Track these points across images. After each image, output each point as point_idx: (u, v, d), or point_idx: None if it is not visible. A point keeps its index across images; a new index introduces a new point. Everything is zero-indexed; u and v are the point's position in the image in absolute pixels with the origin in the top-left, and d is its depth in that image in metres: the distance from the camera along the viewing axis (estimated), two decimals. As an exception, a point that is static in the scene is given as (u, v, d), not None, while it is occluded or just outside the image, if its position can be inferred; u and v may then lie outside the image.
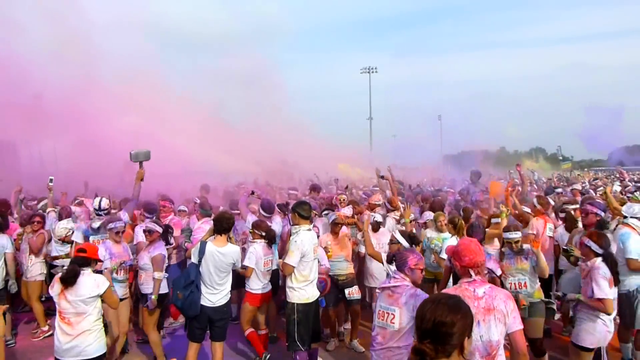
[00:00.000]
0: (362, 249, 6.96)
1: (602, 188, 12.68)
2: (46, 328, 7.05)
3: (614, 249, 5.15)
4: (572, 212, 7.11)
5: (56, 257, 7.13)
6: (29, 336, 7.09)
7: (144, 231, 5.94)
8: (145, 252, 5.81)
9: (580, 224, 6.59)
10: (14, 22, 12.30)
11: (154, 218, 7.07)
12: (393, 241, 5.49)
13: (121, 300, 5.52)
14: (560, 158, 47.52)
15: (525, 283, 5.15)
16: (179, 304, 5.08)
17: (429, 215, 7.35)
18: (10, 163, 12.88)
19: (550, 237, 6.88)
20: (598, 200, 7.28)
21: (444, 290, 3.93)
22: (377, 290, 3.90)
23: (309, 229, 5.32)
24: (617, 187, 12.51)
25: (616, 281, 4.57)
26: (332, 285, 6.02)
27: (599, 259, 4.52)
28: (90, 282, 4.28)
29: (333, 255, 6.33)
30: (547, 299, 5.31)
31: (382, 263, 5.17)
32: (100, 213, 6.38)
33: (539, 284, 5.24)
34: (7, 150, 13.46)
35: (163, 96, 15.75)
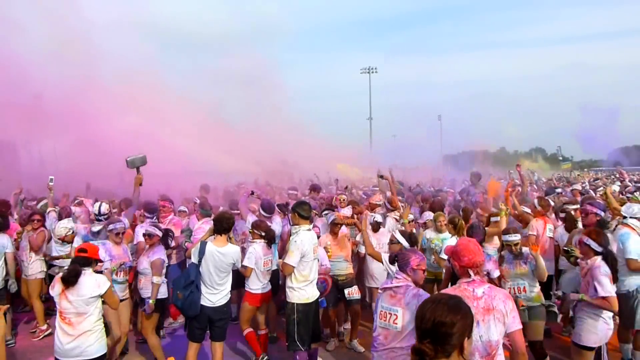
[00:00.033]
0: (362, 249, 6.96)
1: (602, 188, 12.68)
2: (45, 327, 7.05)
3: (613, 249, 5.15)
4: (572, 212, 7.11)
5: (56, 257, 7.13)
6: (29, 336, 7.09)
7: (144, 235, 5.92)
8: (144, 257, 5.79)
9: (580, 224, 6.59)
10: (14, 22, 12.31)
11: (155, 218, 7.09)
12: (393, 241, 5.49)
13: (121, 301, 5.52)
14: (560, 158, 47.59)
15: (524, 287, 5.16)
16: (179, 304, 5.07)
17: (428, 215, 7.35)
18: (10, 163, 12.87)
19: (550, 237, 6.88)
20: (598, 200, 7.29)
21: (443, 290, 3.93)
22: (379, 291, 3.86)
23: (309, 229, 5.32)
24: (616, 187, 12.51)
25: (614, 279, 4.57)
26: (332, 285, 6.02)
27: (599, 258, 4.51)
28: (91, 282, 4.28)
29: (332, 255, 6.33)
30: (548, 302, 5.31)
31: (382, 262, 5.18)
32: (100, 218, 6.37)
33: (539, 287, 5.24)
34: (7, 150, 13.46)
35: (163, 96, 15.77)
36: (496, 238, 6.31)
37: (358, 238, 7.14)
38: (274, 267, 6.26)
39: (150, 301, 5.55)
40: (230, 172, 14.98)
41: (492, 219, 6.51)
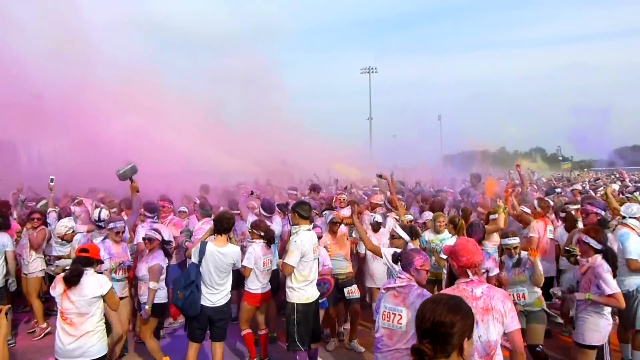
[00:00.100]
0: (362, 249, 6.96)
1: (602, 188, 12.69)
2: (44, 325, 7.05)
3: (614, 249, 5.15)
4: (573, 212, 7.11)
5: (58, 257, 7.13)
6: (29, 336, 7.09)
7: (144, 239, 5.92)
8: (143, 263, 5.77)
9: (580, 224, 6.59)
10: (14, 22, 12.30)
11: (155, 218, 7.08)
12: (395, 236, 5.50)
13: (120, 299, 5.53)
14: (560, 158, 47.58)
15: (523, 294, 5.17)
16: (179, 304, 5.08)
17: (428, 215, 7.35)
18: (10, 163, 12.88)
19: (550, 239, 6.88)
20: (598, 200, 7.29)
21: (443, 290, 3.92)
22: (382, 291, 3.82)
23: (309, 229, 5.32)
24: (616, 186, 12.52)
25: (613, 275, 4.57)
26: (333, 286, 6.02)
27: (600, 256, 4.51)
28: (93, 282, 4.28)
29: (332, 254, 6.34)
30: (551, 312, 5.29)
31: (382, 257, 5.19)
32: (100, 224, 6.38)
33: (540, 292, 5.24)
34: (7, 150, 13.46)
35: (163, 96, 15.76)
36: (495, 235, 6.32)
37: (354, 235, 7.15)
38: (274, 267, 6.27)
39: (147, 307, 5.53)
40: (230, 172, 14.99)
41: (491, 216, 6.51)
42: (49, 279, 7.38)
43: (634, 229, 5.59)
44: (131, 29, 16.99)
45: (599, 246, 4.53)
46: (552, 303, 5.47)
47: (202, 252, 5.07)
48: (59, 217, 7.62)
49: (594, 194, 10.92)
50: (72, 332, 4.21)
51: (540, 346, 5.09)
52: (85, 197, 8.77)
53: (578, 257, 4.86)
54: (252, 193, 7.89)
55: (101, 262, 4.87)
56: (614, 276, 4.57)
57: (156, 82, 15.47)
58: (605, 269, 4.41)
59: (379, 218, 7.11)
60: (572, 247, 5.30)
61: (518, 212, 7.20)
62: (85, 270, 4.27)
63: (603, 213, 6.17)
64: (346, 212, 7.44)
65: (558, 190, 12.42)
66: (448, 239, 6.27)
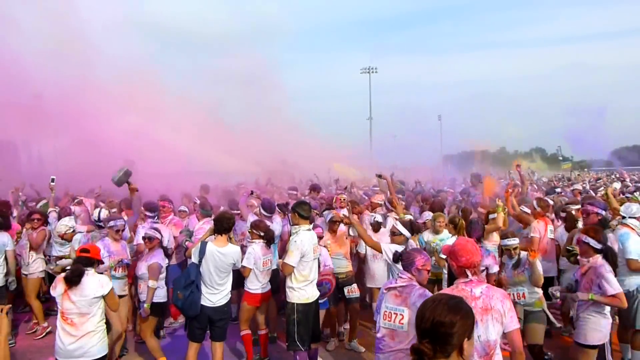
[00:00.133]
0: (362, 249, 6.96)
1: (602, 188, 12.69)
2: (46, 324, 7.05)
3: (614, 248, 5.15)
4: (573, 212, 7.11)
5: (59, 258, 7.13)
6: (29, 336, 7.09)
7: (143, 238, 5.93)
8: (143, 262, 5.79)
9: (580, 224, 6.59)
10: (14, 22, 12.30)
11: (156, 217, 7.08)
12: (395, 232, 5.50)
13: (120, 297, 5.53)
14: (560, 158, 47.56)
15: (524, 294, 5.18)
16: (179, 304, 5.08)
17: (428, 215, 7.35)
18: (10, 163, 12.88)
19: (551, 238, 6.88)
20: (598, 200, 7.28)
21: (443, 290, 3.92)
22: (383, 291, 3.81)
23: (309, 229, 5.32)
24: (617, 185, 12.53)
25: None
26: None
27: (600, 256, 4.50)
28: (94, 283, 4.28)
29: (332, 252, 6.35)
30: (550, 315, 5.28)
31: (382, 252, 5.21)
32: (100, 224, 6.39)
33: (541, 292, 5.24)
34: (7, 150, 13.47)
35: (163, 96, 15.77)
36: (495, 235, 6.32)
37: (352, 233, 7.16)
38: (274, 267, 6.26)
39: (145, 305, 5.53)
40: (230, 172, 14.98)
41: (490, 215, 6.51)
42: (49, 279, 7.39)
43: (633, 229, 5.59)
44: (131, 29, 17.01)
45: (598, 246, 4.52)
46: (553, 303, 5.47)
47: (202, 252, 5.07)
48: (59, 217, 7.62)
49: (594, 194, 10.93)
50: (73, 332, 4.21)
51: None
52: (85, 197, 8.77)
53: (579, 258, 4.86)
54: (252, 193, 7.89)
55: (101, 262, 4.87)
56: (615, 276, 4.57)
57: (156, 82, 15.47)
58: (607, 269, 4.41)
59: (379, 218, 7.10)
60: (573, 247, 5.30)
61: (518, 212, 7.20)
62: (86, 271, 4.27)
63: (604, 213, 6.17)
64: (346, 212, 7.43)
65: (558, 190, 12.43)
66: (448, 238, 6.26)
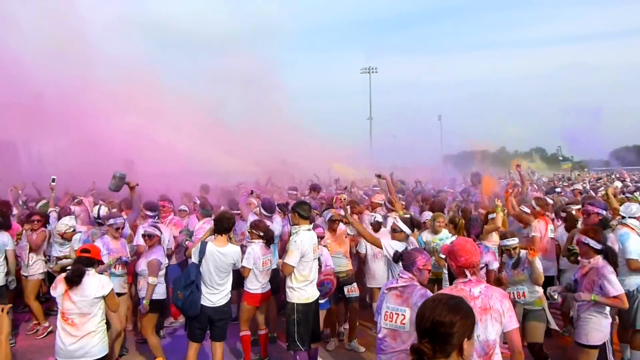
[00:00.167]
0: (362, 249, 6.96)
1: (602, 188, 12.69)
2: (47, 324, 7.06)
3: (615, 249, 5.15)
4: (574, 212, 7.10)
5: (59, 258, 7.13)
6: (29, 336, 7.09)
7: (143, 236, 5.93)
8: (143, 258, 5.81)
9: (580, 224, 6.58)
10: (14, 23, 12.31)
11: (156, 217, 7.09)
12: (396, 229, 5.49)
13: (120, 295, 5.53)
14: (560, 158, 47.55)
15: (523, 293, 5.18)
16: (179, 304, 5.08)
17: (427, 215, 7.35)
18: (11, 163, 12.88)
19: (551, 238, 6.88)
20: (598, 200, 7.28)
21: (442, 290, 3.92)
22: (384, 291, 3.79)
23: (309, 229, 5.32)
24: (618, 183, 12.52)
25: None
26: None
27: (601, 257, 4.50)
28: (95, 283, 4.28)
29: (332, 251, 6.35)
30: (550, 318, 5.28)
31: (382, 248, 5.21)
32: (99, 221, 6.39)
33: (541, 291, 5.23)
34: (7, 150, 13.47)
35: (163, 96, 15.78)
36: (494, 235, 6.31)
37: (350, 232, 7.17)
38: (274, 267, 6.26)
39: (145, 301, 5.55)
40: (230, 172, 14.99)
41: (490, 216, 6.51)
42: (48, 279, 7.39)
43: (633, 229, 5.59)
44: (131, 29, 17.02)
45: (598, 246, 4.52)
46: (553, 303, 5.46)
47: (202, 252, 5.07)
48: (59, 217, 7.62)
49: (594, 194, 10.93)
50: (73, 332, 4.21)
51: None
52: (85, 196, 8.77)
53: (580, 259, 4.85)
54: (252, 192, 7.89)
55: (102, 262, 4.87)
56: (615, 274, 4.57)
57: (156, 82, 15.48)
58: (609, 270, 4.41)
59: (379, 218, 7.10)
60: (573, 246, 5.29)
61: (517, 212, 7.19)
62: (87, 271, 4.27)
63: (604, 213, 6.16)
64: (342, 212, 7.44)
65: (558, 189, 12.44)
66: (447, 238, 6.26)
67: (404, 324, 3.54)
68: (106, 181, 6.91)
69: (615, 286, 4.34)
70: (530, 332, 5.09)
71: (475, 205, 8.55)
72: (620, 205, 6.35)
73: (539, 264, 5.18)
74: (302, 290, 5.14)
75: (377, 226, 6.90)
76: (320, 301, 5.59)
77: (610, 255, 4.53)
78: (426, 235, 6.71)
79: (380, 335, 3.69)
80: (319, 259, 5.69)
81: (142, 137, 12.79)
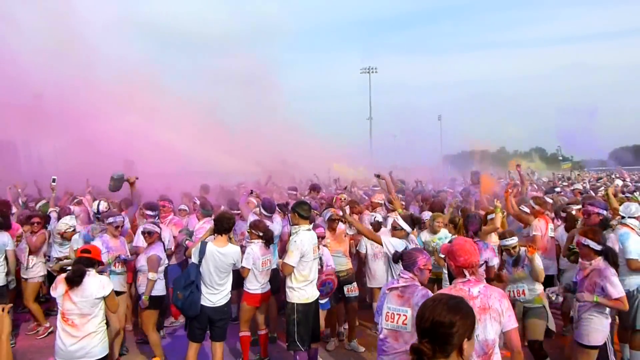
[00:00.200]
0: (363, 249, 6.96)
1: (602, 188, 12.69)
2: (48, 324, 7.06)
3: (615, 249, 5.15)
4: (574, 212, 7.10)
5: (59, 259, 7.13)
6: (29, 336, 7.09)
7: (143, 233, 5.94)
8: (143, 254, 5.83)
9: (580, 224, 6.58)
10: (14, 22, 12.31)
11: (156, 217, 7.09)
12: (396, 227, 5.50)
13: (120, 294, 5.53)
14: (560, 158, 47.52)
15: (523, 290, 5.19)
16: (179, 304, 5.08)
17: (427, 215, 7.35)
18: (11, 163, 12.88)
19: (551, 237, 6.88)
20: (598, 200, 7.27)
21: (443, 290, 3.91)
22: (385, 291, 3.78)
23: (309, 229, 5.32)
24: (619, 182, 12.51)
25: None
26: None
27: (602, 258, 4.49)
28: (95, 283, 4.28)
29: (331, 250, 6.35)
30: (549, 318, 5.28)
31: (382, 245, 5.23)
32: (99, 216, 6.41)
33: (541, 289, 5.23)
34: (7, 150, 13.48)
35: (163, 96, 15.78)
36: (493, 236, 6.30)
37: (349, 231, 7.17)
38: (274, 267, 6.26)
39: (144, 297, 5.58)
40: (230, 172, 14.99)
41: (488, 216, 6.50)
42: (48, 279, 7.38)
43: (633, 229, 5.59)
44: (131, 29, 17.04)
45: (598, 247, 4.51)
46: (555, 303, 5.46)
47: (202, 252, 5.07)
48: (59, 217, 7.62)
49: (594, 194, 10.92)
50: (74, 333, 4.21)
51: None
52: (83, 196, 8.78)
53: (580, 261, 4.83)
54: (252, 192, 7.89)
55: (102, 263, 4.88)
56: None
57: (156, 82, 15.48)
58: (612, 272, 4.41)
59: (379, 217, 7.11)
60: (574, 246, 5.29)
61: (516, 212, 7.19)
62: (88, 271, 4.27)
63: (605, 213, 6.16)
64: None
65: (557, 189, 12.43)
66: (446, 237, 6.26)
67: (406, 324, 3.52)
68: (105, 182, 6.93)
69: (617, 288, 4.34)
70: (531, 330, 5.09)
71: (476, 204, 8.54)
72: (619, 205, 6.35)
73: (539, 261, 5.18)
74: (302, 290, 5.14)
75: (377, 226, 6.90)
76: (321, 301, 5.60)
77: (610, 256, 4.52)
78: (425, 236, 6.71)
79: (381, 336, 3.67)
80: (320, 258, 5.70)
81: (142, 137, 12.79)
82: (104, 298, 4.33)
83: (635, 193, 10.86)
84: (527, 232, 6.90)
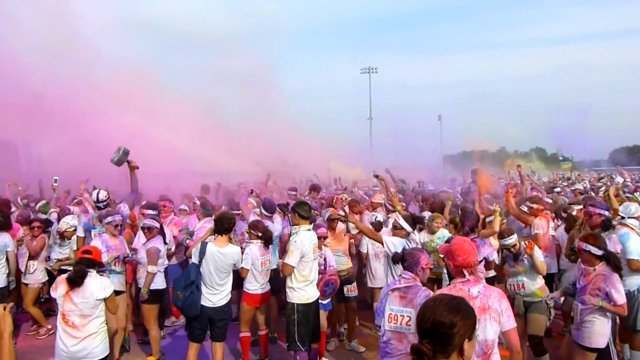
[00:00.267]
0: (364, 249, 6.96)
1: (603, 188, 12.69)
2: (49, 326, 7.07)
3: (617, 249, 5.15)
4: (575, 212, 7.09)
5: (59, 260, 7.13)
6: (29, 336, 7.09)
7: (142, 228, 5.95)
8: (142, 247, 5.88)
9: (579, 224, 6.57)
10: (14, 22, 12.30)
11: (157, 216, 7.09)
12: (397, 227, 5.49)
13: (119, 293, 5.54)
14: (561, 158, 47.55)
15: (522, 284, 5.20)
16: (179, 305, 5.08)
17: (427, 215, 7.34)
18: (10, 163, 12.88)
19: (552, 235, 6.88)
20: (600, 200, 7.27)
21: (441, 290, 3.91)
22: (387, 292, 3.75)
23: (309, 229, 5.32)
24: (620, 180, 12.49)
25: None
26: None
27: (604, 263, 4.45)
28: (96, 284, 4.28)
29: (332, 249, 6.35)
30: (550, 314, 5.28)
31: (382, 244, 5.23)
32: (99, 205, 6.42)
33: (542, 283, 5.23)
34: (7, 150, 13.47)
35: (163, 96, 15.76)
36: (492, 239, 6.29)
37: (352, 231, 7.17)
38: (274, 267, 6.26)
39: (142, 290, 5.60)
40: (230, 172, 14.99)
41: (487, 219, 6.49)
42: (48, 280, 7.38)
43: (633, 229, 5.58)
44: (131, 29, 17.05)
45: (599, 252, 4.47)
46: (555, 303, 5.46)
47: (202, 253, 5.07)
48: (59, 218, 7.61)
49: (594, 194, 10.92)
50: (75, 334, 4.21)
51: None
52: (81, 195, 8.78)
53: (584, 267, 4.80)
54: (252, 192, 7.89)
55: (102, 264, 4.88)
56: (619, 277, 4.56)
57: (156, 82, 15.47)
58: (618, 279, 4.39)
59: (380, 217, 7.11)
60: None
61: (516, 211, 7.19)
62: (89, 272, 4.27)
63: (606, 214, 6.15)
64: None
65: (557, 189, 12.43)
66: (445, 237, 6.26)
67: (410, 325, 3.48)
68: (106, 181, 6.92)
69: (622, 295, 4.34)
70: (532, 324, 5.09)
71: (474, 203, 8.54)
72: (619, 206, 6.35)
73: (539, 254, 5.18)
74: (302, 290, 5.14)
75: (378, 226, 6.90)
76: (323, 302, 5.60)
77: (612, 260, 4.49)
78: (423, 236, 6.71)
79: (384, 339, 3.61)
80: (324, 259, 5.70)
81: (141, 137, 12.76)
82: (105, 299, 4.33)
83: (635, 193, 10.85)
84: (528, 231, 6.89)
